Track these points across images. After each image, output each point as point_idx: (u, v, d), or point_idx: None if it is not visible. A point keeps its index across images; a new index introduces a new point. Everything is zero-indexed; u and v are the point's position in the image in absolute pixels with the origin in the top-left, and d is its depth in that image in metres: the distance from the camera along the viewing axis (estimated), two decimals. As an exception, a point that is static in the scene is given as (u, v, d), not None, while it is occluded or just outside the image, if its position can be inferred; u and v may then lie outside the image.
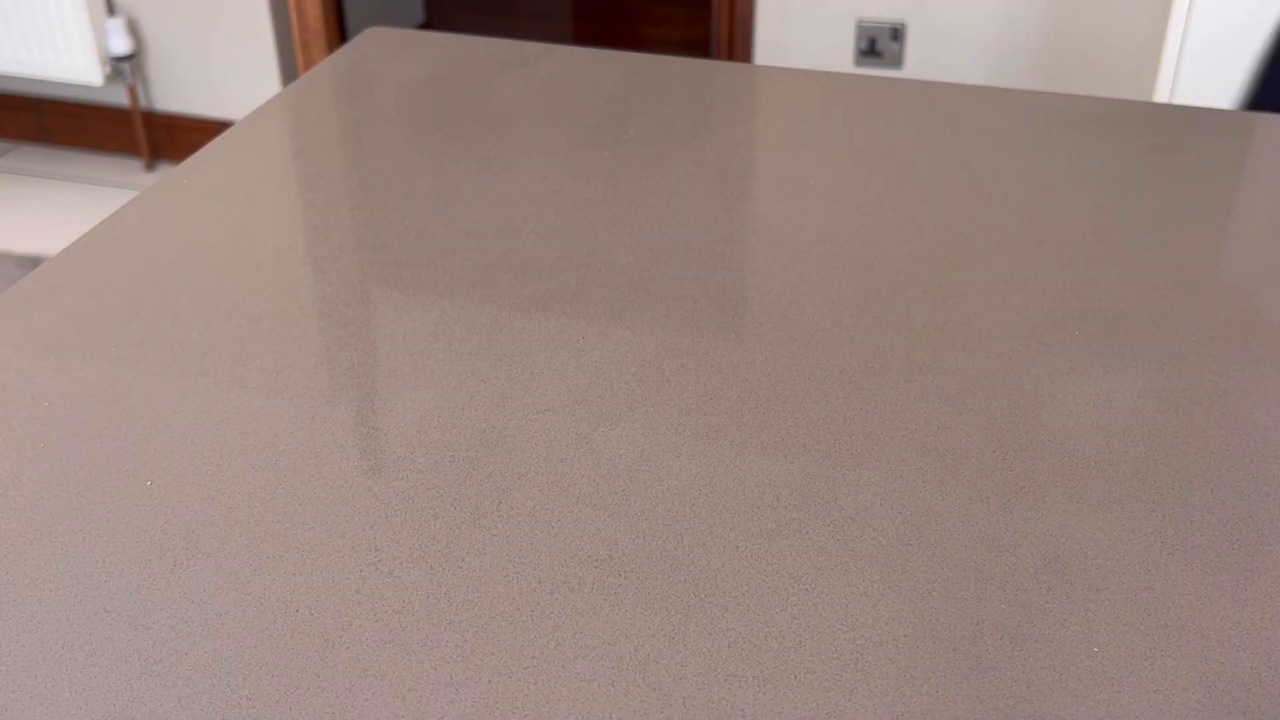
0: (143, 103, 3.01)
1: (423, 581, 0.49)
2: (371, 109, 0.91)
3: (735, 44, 2.80)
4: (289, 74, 2.88)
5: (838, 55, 2.72)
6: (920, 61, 2.68)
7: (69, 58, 2.84)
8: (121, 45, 2.85)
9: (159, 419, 0.58)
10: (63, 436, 0.57)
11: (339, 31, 2.93)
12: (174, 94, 2.94)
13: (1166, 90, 1.76)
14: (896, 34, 2.66)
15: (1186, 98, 1.73)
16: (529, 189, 0.79)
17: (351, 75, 0.98)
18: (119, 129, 2.94)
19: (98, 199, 2.65)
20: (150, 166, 2.89)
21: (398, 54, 1.00)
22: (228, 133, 0.87)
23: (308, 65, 2.89)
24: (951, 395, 0.60)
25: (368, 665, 0.46)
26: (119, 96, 2.95)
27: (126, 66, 2.90)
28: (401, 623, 0.48)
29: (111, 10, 2.91)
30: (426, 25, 3.69)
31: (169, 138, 2.85)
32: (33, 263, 2.30)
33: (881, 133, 0.88)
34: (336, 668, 0.46)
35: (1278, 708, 0.44)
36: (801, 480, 0.55)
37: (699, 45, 3.50)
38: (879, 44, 2.68)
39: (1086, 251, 0.72)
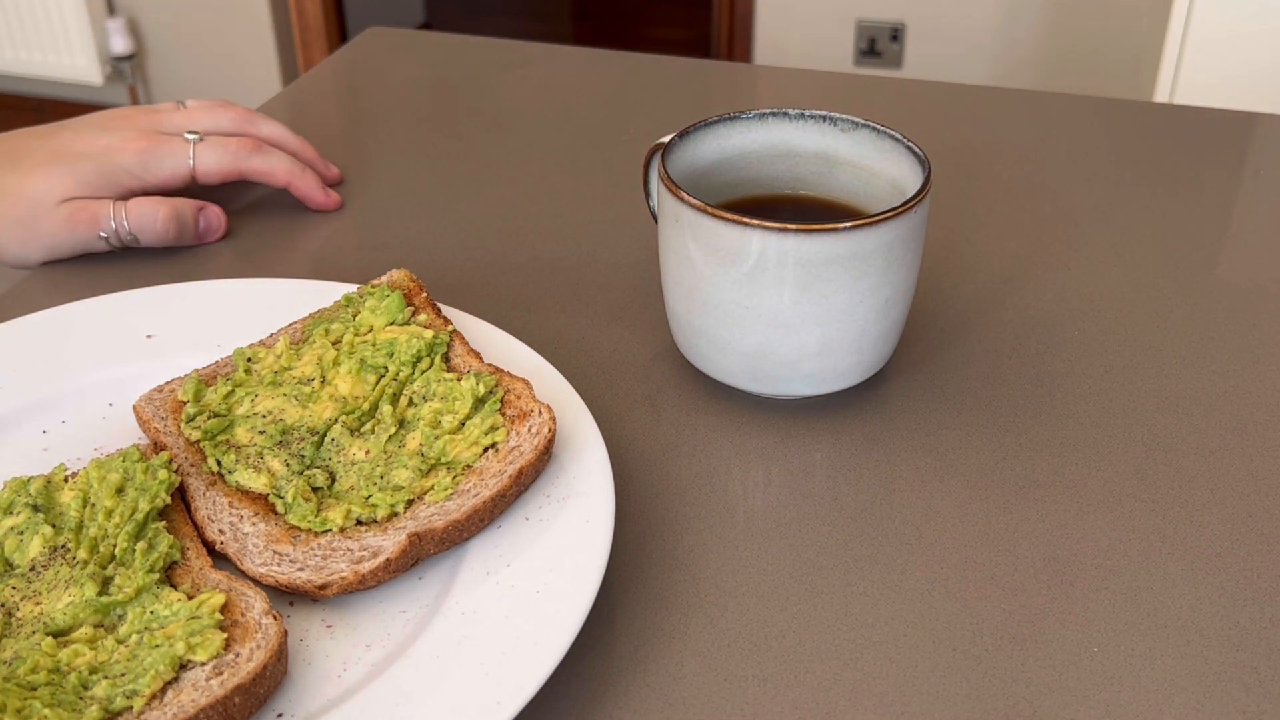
0: (143, 102, 3.00)
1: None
2: (371, 109, 0.91)
3: (735, 44, 2.80)
4: (289, 74, 2.89)
5: (838, 55, 2.72)
6: (920, 61, 2.68)
7: (69, 58, 2.84)
8: (121, 45, 2.86)
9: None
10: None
11: (339, 31, 2.93)
12: (174, 94, 2.94)
13: (1166, 90, 1.76)
14: (896, 34, 2.66)
15: (1186, 98, 1.73)
16: (529, 189, 0.79)
17: (351, 75, 0.98)
18: (119, 129, 2.93)
19: (98, 199, 2.66)
20: (150, 166, 2.89)
21: (398, 54, 1.00)
22: (228, 133, 0.87)
23: (308, 65, 2.89)
24: (951, 394, 0.60)
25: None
26: (119, 96, 2.96)
27: (127, 66, 2.90)
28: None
29: (111, 10, 2.91)
30: (426, 25, 3.70)
31: (169, 138, 2.85)
32: (33, 263, 2.29)
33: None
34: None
35: (1278, 708, 0.44)
36: (801, 479, 0.55)
37: (699, 45, 3.50)
38: (879, 44, 2.68)
39: (1087, 251, 0.72)
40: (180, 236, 0.71)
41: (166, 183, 0.71)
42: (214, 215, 0.72)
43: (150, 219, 0.69)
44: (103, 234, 0.68)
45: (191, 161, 0.71)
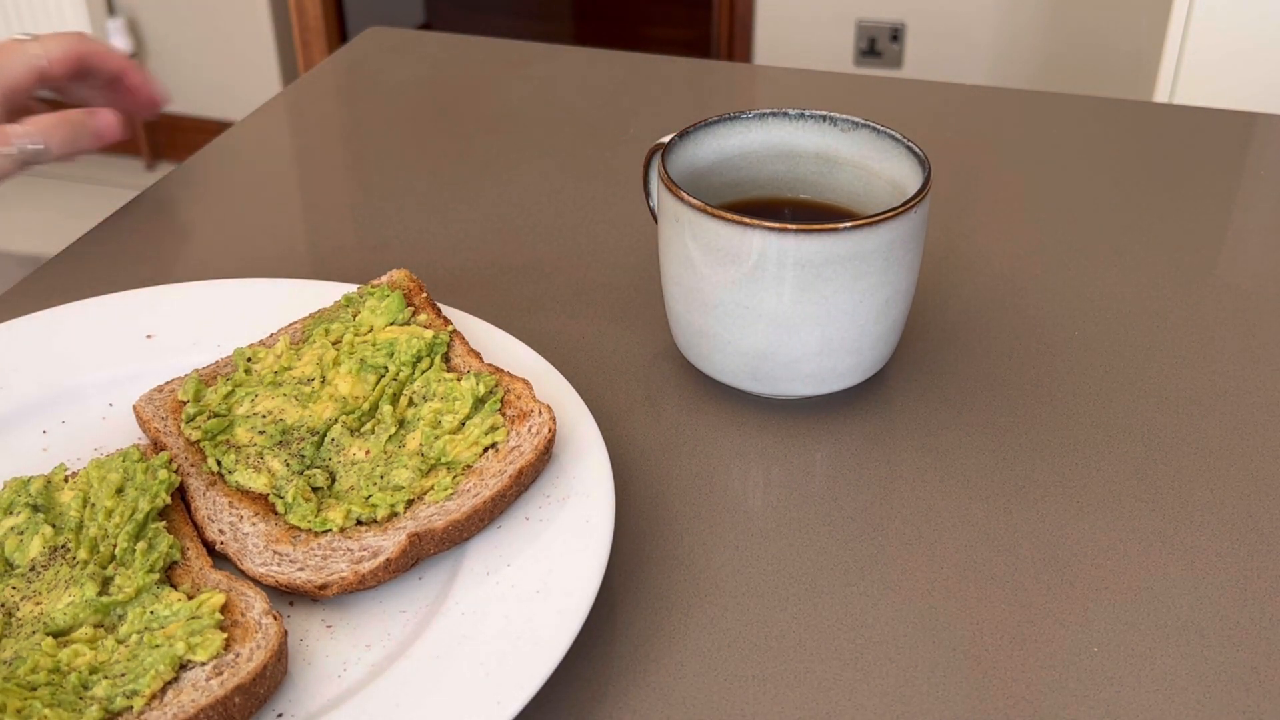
0: (143, 103, 2.99)
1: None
2: (371, 109, 0.91)
3: (735, 44, 2.80)
4: (289, 74, 2.89)
5: (838, 55, 2.72)
6: (920, 61, 2.68)
7: (69, 58, 2.83)
8: (121, 45, 2.86)
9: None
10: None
11: (339, 31, 2.93)
12: (174, 94, 2.94)
13: (1166, 90, 1.76)
14: (896, 34, 2.66)
15: (1186, 98, 1.73)
16: (529, 189, 0.79)
17: (351, 75, 0.98)
18: (119, 129, 2.93)
19: (98, 199, 2.66)
20: (151, 166, 2.89)
21: (398, 54, 1.00)
22: (228, 133, 0.87)
23: (308, 65, 2.89)
24: (951, 394, 0.60)
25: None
26: (119, 96, 2.95)
27: (126, 66, 2.90)
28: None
29: (111, 10, 2.91)
30: (426, 25, 3.70)
31: (169, 138, 2.85)
32: (33, 262, 2.30)
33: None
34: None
35: (1278, 708, 0.44)
36: (801, 479, 0.55)
37: (699, 45, 3.50)
38: (879, 44, 2.68)
39: (1087, 251, 0.72)
40: (77, 139, 0.71)
41: (22, 80, 0.72)
42: (105, 115, 0.73)
43: (43, 123, 0.70)
44: (4, 151, 0.69)
45: (41, 52, 0.72)
